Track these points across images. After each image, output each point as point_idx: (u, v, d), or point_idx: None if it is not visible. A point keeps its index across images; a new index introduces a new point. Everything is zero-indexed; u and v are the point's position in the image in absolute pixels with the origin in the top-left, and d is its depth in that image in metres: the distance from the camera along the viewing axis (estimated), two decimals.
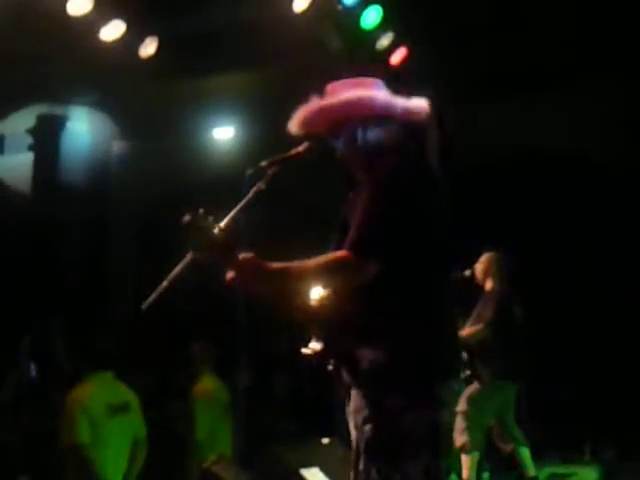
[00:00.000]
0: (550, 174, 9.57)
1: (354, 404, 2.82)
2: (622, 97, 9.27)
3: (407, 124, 2.98)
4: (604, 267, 9.37)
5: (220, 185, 8.99)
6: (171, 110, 10.22)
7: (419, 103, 3.00)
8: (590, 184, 9.35)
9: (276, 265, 2.79)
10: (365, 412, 2.77)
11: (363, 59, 8.13)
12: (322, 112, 2.96)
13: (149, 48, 7.36)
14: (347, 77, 3.06)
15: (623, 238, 9.18)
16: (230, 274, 2.80)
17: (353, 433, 2.86)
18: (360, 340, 2.80)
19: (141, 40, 7.37)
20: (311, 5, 7.30)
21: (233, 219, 2.78)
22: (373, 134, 2.95)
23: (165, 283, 2.73)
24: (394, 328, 2.76)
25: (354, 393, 2.82)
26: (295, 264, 2.80)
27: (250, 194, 2.84)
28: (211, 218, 2.77)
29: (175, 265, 2.79)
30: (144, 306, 2.73)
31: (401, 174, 2.81)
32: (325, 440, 6.71)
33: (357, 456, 2.83)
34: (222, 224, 2.77)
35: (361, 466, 2.80)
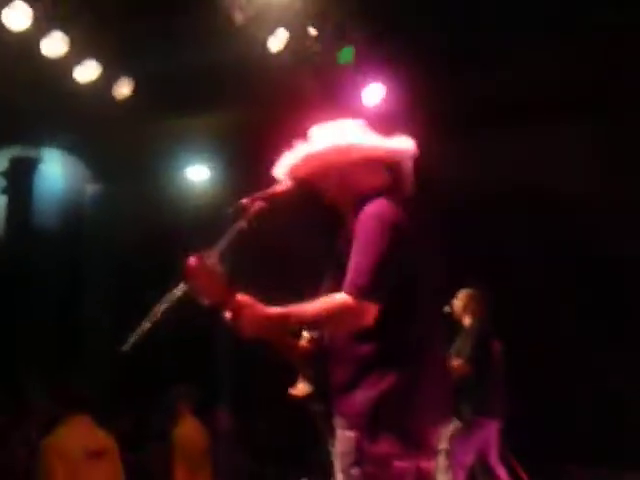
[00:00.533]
0: (526, 208, 9.64)
1: (341, 447, 2.76)
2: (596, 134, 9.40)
3: (392, 164, 2.99)
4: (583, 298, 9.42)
5: (196, 225, 9.00)
6: (145, 151, 10.20)
7: (402, 143, 2.99)
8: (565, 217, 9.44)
9: (274, 311, 2.76)
10: (352, 456, 2.72)
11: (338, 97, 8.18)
12: (308, 159, 2.94)
13: (123, 89, 7.36)
14: (328, 119, 3.05)
15: (601, 272, 9.26)
16: (228, 316, 2.77)
17: (339, 477, 2.79)
18: (352, 381, 2.76)
19: (115, 81, 7.37)
20: (287, 46, 7.32)
21: (217, 257, 2.75)
22: (360, 177, 2.95)
23: (146, 324, 2.68)
24: (387, 371, 2.72)
25: (340, 435, 2.77)
26: (294, 309, 2.75)
27: (231, 232, 2.81)
28: (214, 261, 2.75)
29: (153, 306, 2.74)
30: (125, 348, 2.68)
31: (389, 215, 2.79)
32: None
33: None
34: (218, 267, 2.75)
35: None
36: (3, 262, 10.66)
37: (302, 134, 3.03)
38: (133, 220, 11.24)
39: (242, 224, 2.80)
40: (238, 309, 2.73)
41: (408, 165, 3.02)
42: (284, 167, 2.98)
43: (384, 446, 2.68)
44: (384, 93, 8.14)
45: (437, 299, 2.99)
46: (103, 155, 10.69)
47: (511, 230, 9.36)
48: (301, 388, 2.97)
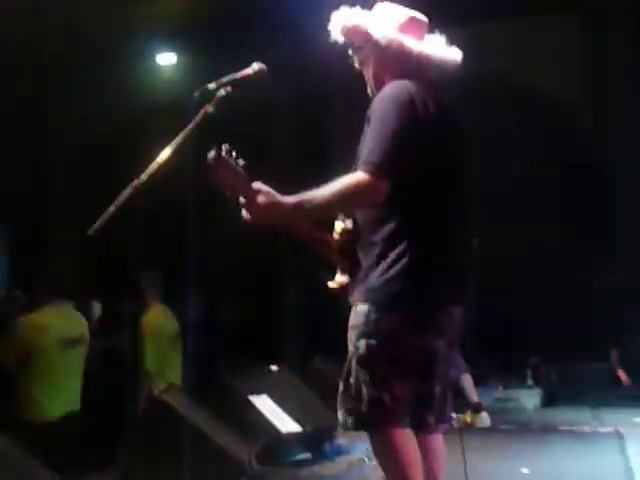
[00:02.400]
0: None
1: (352, 319, 2.85)
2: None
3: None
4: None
5: (165, 110, 8.88)
6: (112, 37, 9.97)
7: (450, 53, 3.01)
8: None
9: (290, 199, 2.78)
10: (361, 328, 2.80)
11: None
12: (351, 31, 3.00)
13: None
14: None
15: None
16: (246, 211, 2.81)
17: (349, 349, 2.87)
18: (372, 263, 2.82)
19: None
20: None
21: (182, 143, 2.71)
22: (392, 70, 2.96)
23: (112, 208, 2.65)
24: (402, 251, 2.77)
25: (353, 309, 2.85)
26: (308, 194, 2.77)
27: (198, 117, 2.76)
28: (234, 153, 2.76)
29: (122, 192, 2.70)
30: (90, 231, 2.65)
31: (405, 95, 2.80)
32: (274, 368, 6.75)
33: (348, 370, 2.86)
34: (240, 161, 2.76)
35: (352, 379, 2.84)
36: None
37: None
38: (102, 105, 11.07)
39: (209, 108, 2.75)
40: (254, 197, 2.76)
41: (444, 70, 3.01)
42: (336, 31, 3.02)
43: (392, 322, 2.74)
44: None
45: (462, 187, 2.97)
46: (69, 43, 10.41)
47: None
48: (339, 280, 3.02)
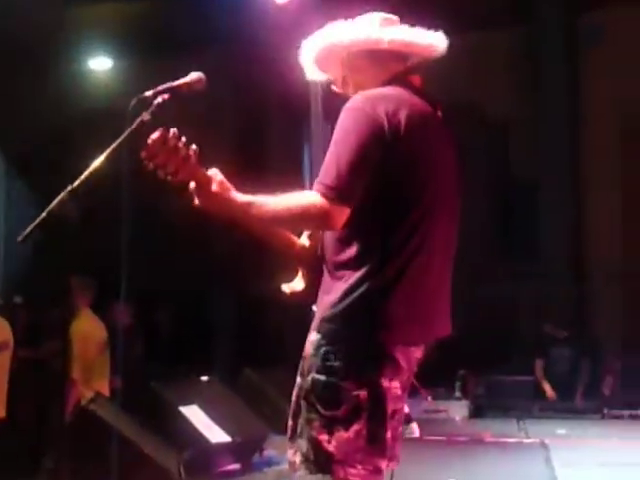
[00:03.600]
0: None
1: (305, 348, 2.61)
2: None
3: (406, 56, 2.76)
4: None
5: (100, 117, 8.78)
6: (48, 40, 9.82)
7: (424, 35, 2.73)
8: None
9: (239, 196, 2.56)
10: (310, 360, 2.57)
11: None
12: (311, 55, 2.80)
13: None
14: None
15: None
16: (196, 196, 2.59)
17: (297, 379, 2.63)
18: (329, 285, 2.58)
19: None
20: None
21: (117, 151, 2.67)
22: (365, 72, 2.75)
23: (42, 215, 2.61)
24: (360, 278, 2.50)
25: (308, 336, 2.60)
26: (258, 200, 2.53)
27: (134, 125, 2.72)
28: (183, 138, 2.52)
29: (54, 197, 2.67)
30: (20, 238, 2.60)
31: (374, 106, 2.52)
32: (204, 378, 6.71)
33: (297, 403, 2.62)
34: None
35: (303, 416, 2.57)
36: None
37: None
38: (34, 112, 10.89)
39: (145, 116, 2.72)
40: (207, 183, 2.56)
41: (428, 58, 2.77)
42: (308, 67, 2.84)
43: (342, 356, 2.50)
44: None
45: (445, 211, 2.67)
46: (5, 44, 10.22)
47: None
48: (293, 287, 2.82)
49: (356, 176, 2.46)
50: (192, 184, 2.60)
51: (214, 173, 2.61)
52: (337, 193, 2.44)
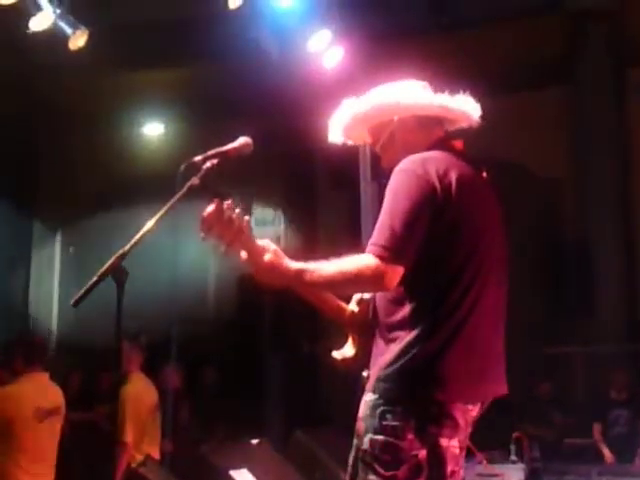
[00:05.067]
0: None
1: (360, 410, 2.61)
2: None
3: (448, 121, 2.83)
4: None
5: (151, 181, 8.92)
6: (100, 105, 10.06)
7: (463, 103, 2.80)
8: None
9: (293, 265, 2.60)
10: (367, 421, 2.56)
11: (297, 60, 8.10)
12: (355, 120, 2.84)
13: (79, 40, 7.19)
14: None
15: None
16: (251, 268, 2.65)
17: (354, 440, 2.64)
18: (384, 347, 2.60)
19: (72, 32, 7.20)
20: (245, 3, 7.22)
21: (165, 215, 2.70)
22: (411, 135, 2.80)
23: (94, 278, 2.64)
24: (415, 338, 2.52)
25: (364, 398, 2.61)
26: (313, 265, 2.57)
27: (183, 190, 2.76)
28: (238, 208, 2.59)
29: (105, 261, 2.70)
30: (72, 302, 2.63)
31: (425, 168, 2.57)
32: (254, 441, 6.66)
33: (354, 465, 2.61)
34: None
35: (361, 477, 2.57)
36: None
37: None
38: (85, 173, 11.13)
39: (194, 181, 2.76)
40: (261, 254, 2.60)
41: (466, 125, 2.85)
42: (337, 129, 2.89)
43: (400, 416, 2.50)
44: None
45: (499, 272, 2.71)
46: (58, 107, 10.50)
47: None
48: (344, 353, 2.83)
49: (410, 236, 2.49)
50: (243, 254, 2.64)
51: (267, 243, 2.65)
52: (392, 253, 2.47)
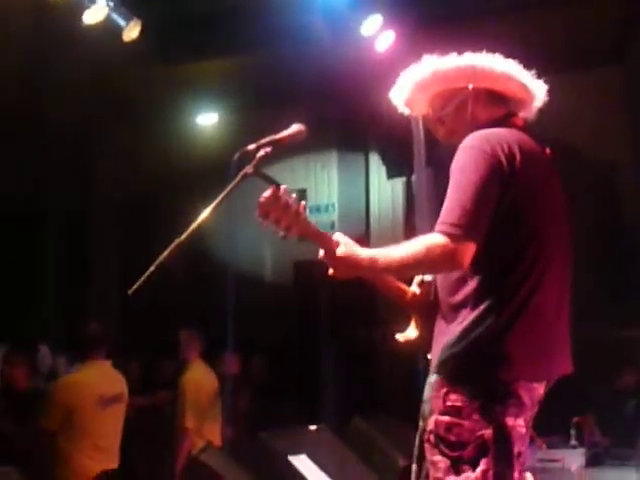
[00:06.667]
0: None
1: (425, 392, 2.61)
2: None
3: (516, 102, 2.78)
4: None
5: (205, 171, 8.98)
6: (154, 96, 10.14)
7: (535, 84, 2.76)
8: None
9: (365, 252, 2.59)
10: (431, 402, 2.56)
11: (349, 45, 8.08)
12: (435, 76, 2.75)
13: (133, 31, 7.26)
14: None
15: None
16: (329, 264, 2.65)
17: (419, 422, 2.63)
18: (445, 327, 2.58)
19: (125, 23, 7.28)
20: None
21: (220, 204, 2.71)
22: (481, 108, 2.75)
23: (152, 268, 2.67)
24: (478, 317, 2.49)
25: (428, 379, 2.61)
26: (384, 251, 2.55)
27: (237, 178, 2.77)
28: (294, 195, 2.61)
29: (162, 250, 2.73)
30: (131, 292, 2.66)
31: (492, 143, 2.53)
32: (313, 427, 6.69)
33: (420, 447, 2.61)
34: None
35: (428, 459, 2.57)
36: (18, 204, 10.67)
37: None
38: (142, 166, 11.25)
39: (248, 170, 2.76)
40: (334, 249, 2.61)
41: (530, 110, 2.82)
42: (405, 88, 2.82)
43: (465, 396, 2.48)
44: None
45: (563, 248, 2.67)
46: (113, 97, 10.61)
47: None
48: (407, 335, 2.81)
49: (480, 212, 2.45)
50: (321, 252, 2.66)
51: (339, 236, 2.66)
52: (463, 230, 2.43)
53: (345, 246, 2.62)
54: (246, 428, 7.49)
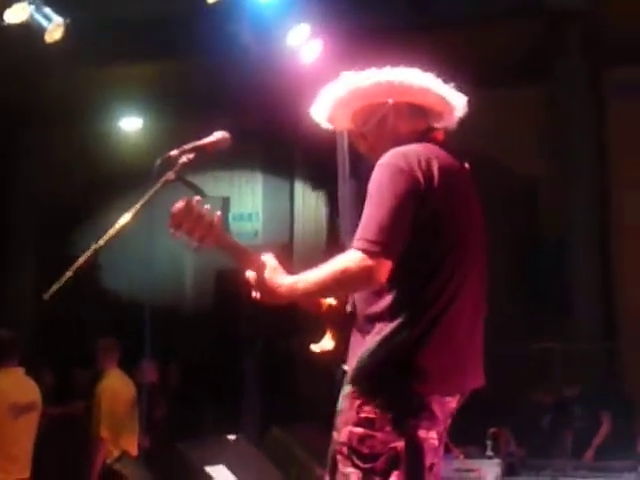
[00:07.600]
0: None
1: (339, 403, 2.59)
2: None
3: (436, 114, 2.78)
4: None
5: (128, 175, 8.87)
6: (77, 100, 10.00)
7: (454, 97, 2.76)
8: None
9: (285, 279, 2.57)
10: (345, 415, 2.54)
11: (275, 55, 8.07)
12: (354, 94, 2.74)
13: (55, 33, 7.12)
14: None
15: None
16: (255, 290, 2.62)
17: (333, 434, 2.61)
18: (361, 339, 2.57)
19: (48, 24, 7.12)
20: None
21: (141, 209, 2.68)
22: (403, 122, 2.74)
23: (69, 273, 2.62)
24: (393, 329, 2.49)
25: (342, 390, 2.59)
26: (303, 278, 2.53)
27: (158, 184, 2.74)
28: (207, 206, 2.57)
29: (79, 256, 2.67)
30: (46, 296, 2.61)
31: (409, 160, 2.53)
32: (231, 437, 6.65)
33: (333, 458, 2.58)
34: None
35: (341, 468, 2.54)
36: None
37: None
38: (64, 167, 11.07)
39: (170, 176, 2.74)
40: (262, 271, 2.59)
41: (450, 122, 2.80)
42: (325, 105, 2.80)
43: (378, 408, 2.48)
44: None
45: (479, 264, 2.69)
46: (35, 100, 10.42)
47: None
48: (322, 346, 2.79)
49: (396, 228, 2.46)
50: (250, 275, 2.63)
51: (268, 258, 2.63)
52: (380, 247, 2.44)
53: (269, 272, 2.60)
54: (163, 438, 7.40)
